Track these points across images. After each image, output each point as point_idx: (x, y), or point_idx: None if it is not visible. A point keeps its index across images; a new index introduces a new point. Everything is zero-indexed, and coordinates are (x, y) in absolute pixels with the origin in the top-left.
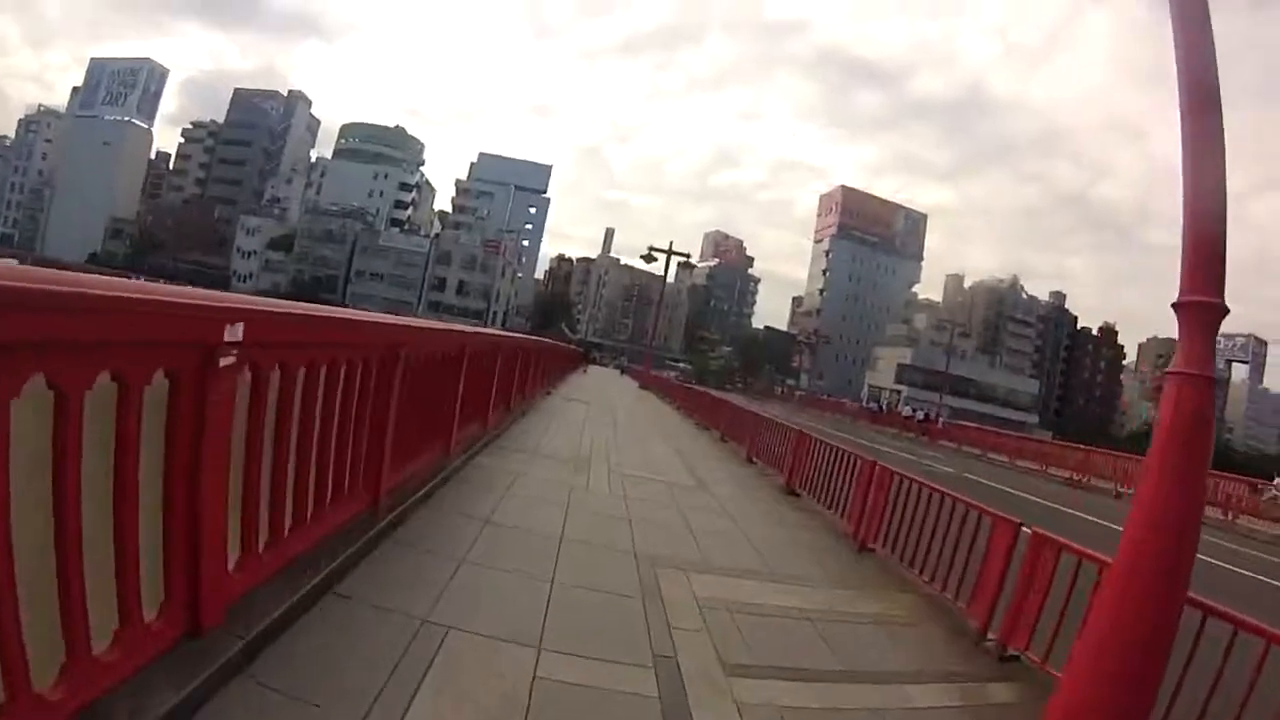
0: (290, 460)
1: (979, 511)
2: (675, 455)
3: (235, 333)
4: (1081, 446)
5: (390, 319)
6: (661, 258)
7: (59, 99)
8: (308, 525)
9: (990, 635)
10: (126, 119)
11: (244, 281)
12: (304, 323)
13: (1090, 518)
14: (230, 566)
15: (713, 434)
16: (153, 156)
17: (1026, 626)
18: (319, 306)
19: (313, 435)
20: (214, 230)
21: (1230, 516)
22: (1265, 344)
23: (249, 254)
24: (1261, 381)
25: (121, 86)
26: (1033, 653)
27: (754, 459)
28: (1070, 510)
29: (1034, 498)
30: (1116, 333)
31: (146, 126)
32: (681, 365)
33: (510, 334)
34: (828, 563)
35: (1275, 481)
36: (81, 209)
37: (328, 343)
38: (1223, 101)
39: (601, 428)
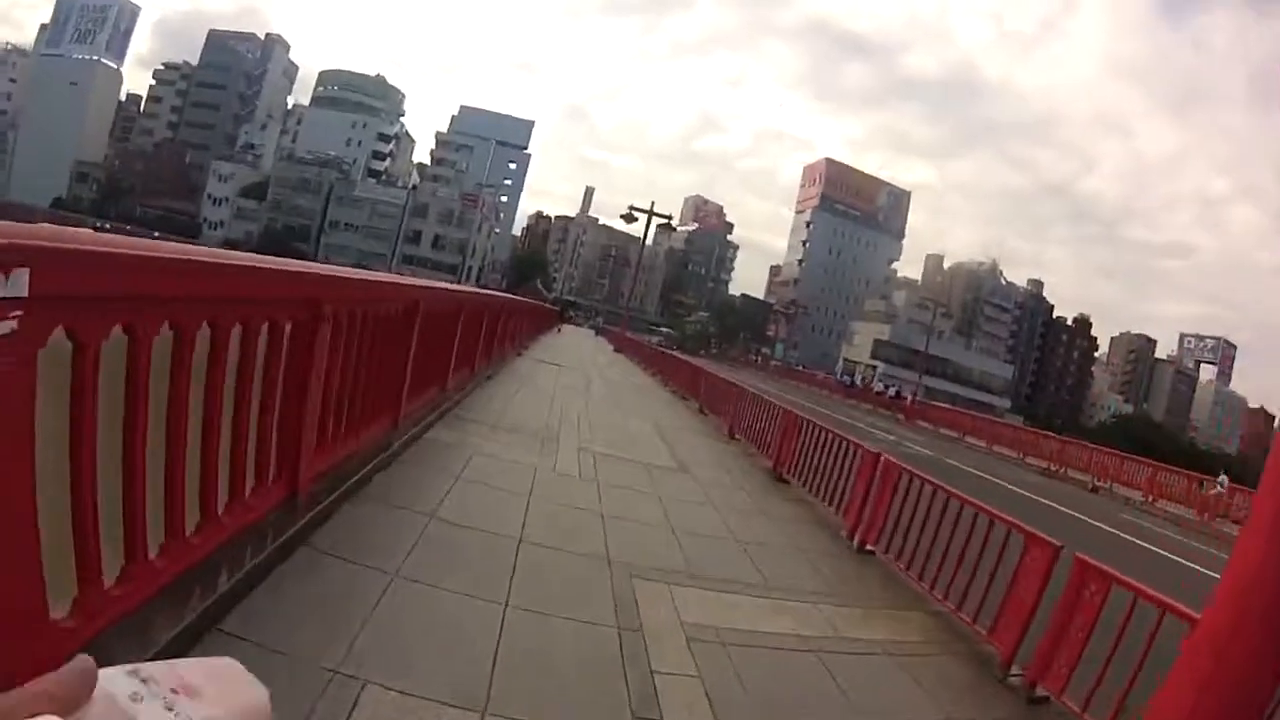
0: (150, 460)
1: (1008, 526)
2: (652, 430)
3: (13, 285)
4: (1057, 436)
5: (308, 268)
6: (641, 218)
7: (27, 38)
8: (187, 541)
9: (1016, 670)
10: (95, 58)
11: (215, 229)
12: (154, 269)
13: (1087, 519)
14: (60, 613)
15: (691, 404)
16: (122, 98)
17: (1064, 667)
18: (194, 248)
19: (185, 422)
20: (185, 176)
21: (1205, 517)
22: (1234, 347)
23: (220, 201)
24: (1229, 384)
25: (90, 24)
26: (1070, 699)
27: (736, 435)
28: (1061, 508)
29: (1028, 493)
30: (1091, 324)
31: (116, 66)
32: (665, 330)
33: (478, 290)
34: (826, 569)
35: (1220, 478)
36: (47, 151)
37: (203, 298)
38: (1210, 105)
39: (573, 395)
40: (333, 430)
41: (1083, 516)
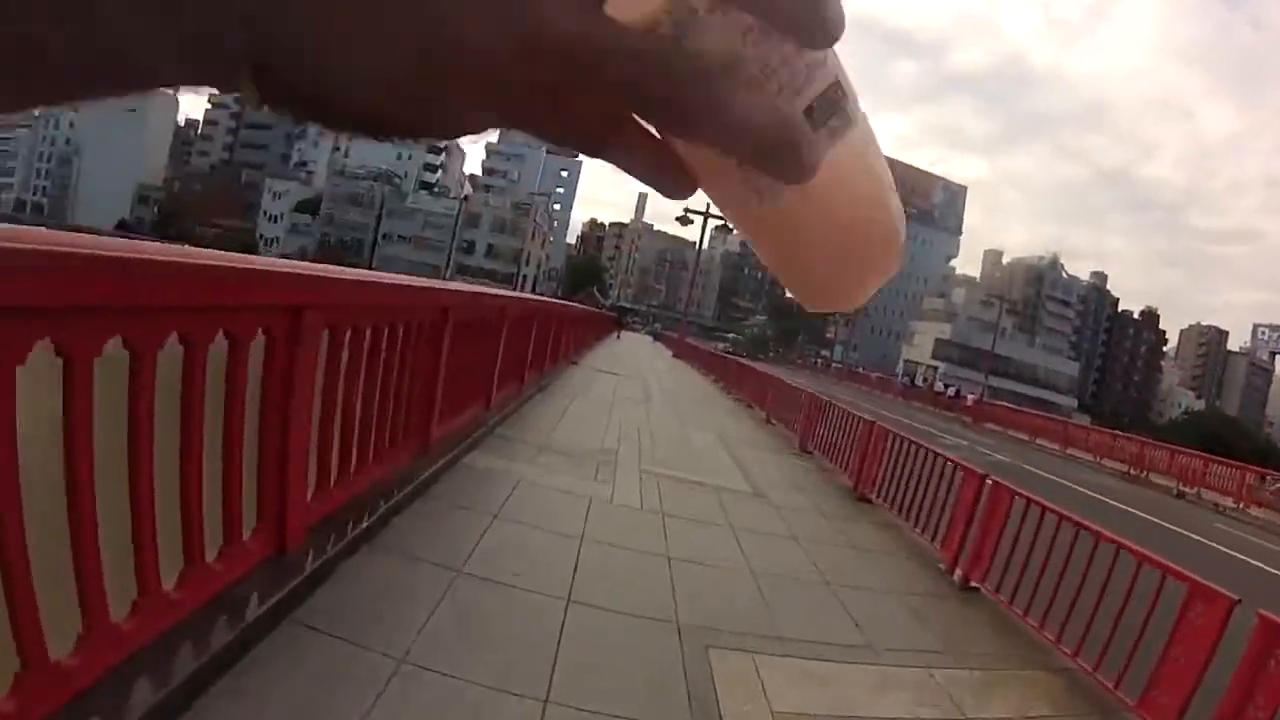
0: (39, 521)
1: (1163, 570)
2: (718, 444)
3: None
4: (1135, 438)
5: (284, 266)
6: (697, 221)
7: None
8: (114, 629)
9: None
10: None
11: (270, 245)
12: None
13: (1183, 530)
14: None
15: (755, 413)
16: (180, 123)
17: None
18: (104, 239)
19: (86, 468)
20: (241, 194)
21: (1241, 505)
22: None
23: (276, 218)
24: None
25: None
26: None
27: (809, 448)
28: (1151, 517)
29: (1113, 500)
30: (1158, 317)
31: (172, 93)
32: (730, 336)
33: (526, 296)
34: (930, 616)
35: None
36: (109, 177)
37: (124, 306)
38: (1271, 83)
39: (632, 407)
40: (337, 466)
41: (1177, 528)
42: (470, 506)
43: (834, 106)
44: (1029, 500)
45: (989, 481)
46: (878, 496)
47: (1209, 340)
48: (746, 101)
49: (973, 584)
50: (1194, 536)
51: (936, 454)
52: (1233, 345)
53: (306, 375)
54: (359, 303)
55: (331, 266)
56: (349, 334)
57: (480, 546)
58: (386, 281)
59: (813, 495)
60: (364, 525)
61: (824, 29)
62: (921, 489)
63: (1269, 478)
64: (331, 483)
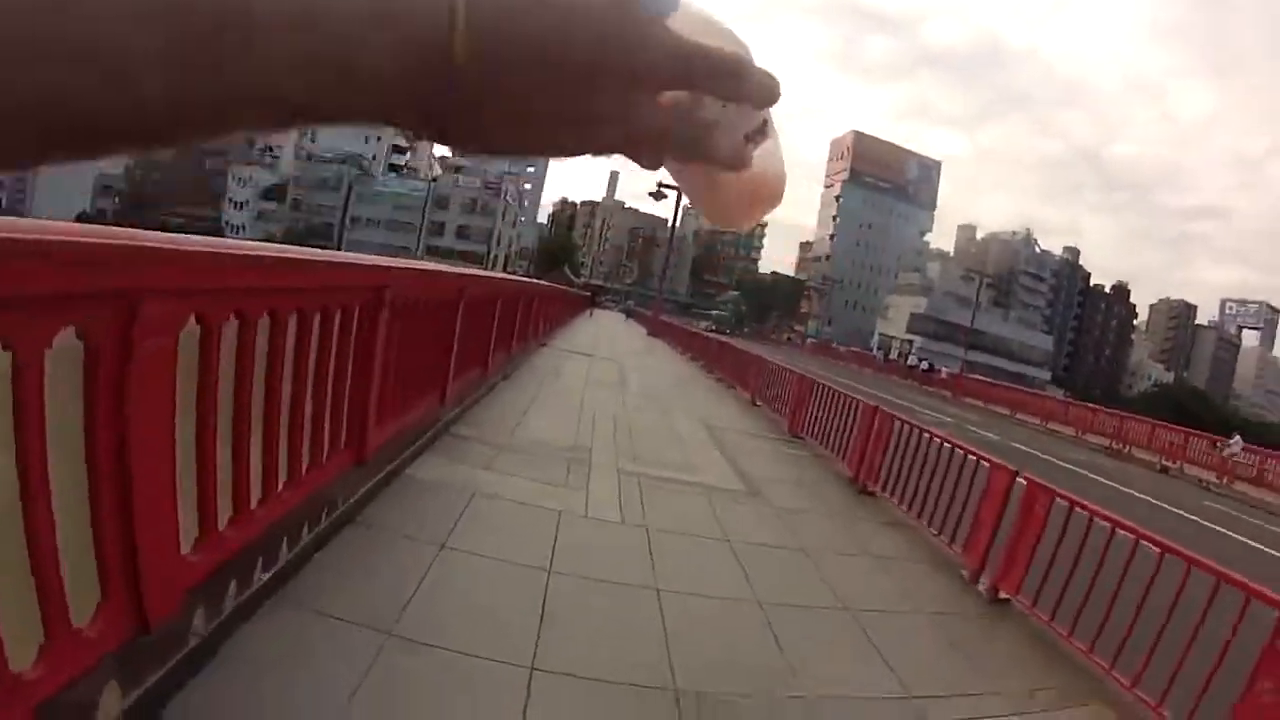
0: None
1: (1246, 591)
2: (705, 433)
3: None
4: (1114, 412)
5: (100, 234)
6: (670, 196)
7: None
8: None
9: None
10: None
11: (236, 232)
12: None
13: (1179, 510)
14: None
15: (739, 393)
16: None
17: None
18: None
19: None
20: (206, 182)
21: (1225, 480)
22: (1279, 311)
23: (242, 204)
24: (1272, 349)
25: None
26: None
27: (800, 434)
28: (1143, 495)
29: (1107, 480)
30: (1129, 291)
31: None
32: (715, 313)
33: (493, 275)
34: (963, 640)
35: (1233, 439)
36: (68, 167)
37: None
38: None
39: (607, 392)
40: (231, 502)
41: (1175, 509)
42: (412, 533)
43: (762, 129)
44: (1072, 503)
45: (1023, 483)
46: (882, 489)
47: (1178, 314)
48: (721, 141)
49: (1003, 595)
50: (1206, 524)
51: (957, 447)
52: (1201, 319)
53: (157, 385)
54: (238, 284)
55: (202, 239)
56: (234, 325)
57: (420, 592)
58: (282, 255)
59: (813, 491)
60: (274, 571)
61: (767, 100)
62: (936, 484)
63: (1219, 443)
64: (222, 524)
